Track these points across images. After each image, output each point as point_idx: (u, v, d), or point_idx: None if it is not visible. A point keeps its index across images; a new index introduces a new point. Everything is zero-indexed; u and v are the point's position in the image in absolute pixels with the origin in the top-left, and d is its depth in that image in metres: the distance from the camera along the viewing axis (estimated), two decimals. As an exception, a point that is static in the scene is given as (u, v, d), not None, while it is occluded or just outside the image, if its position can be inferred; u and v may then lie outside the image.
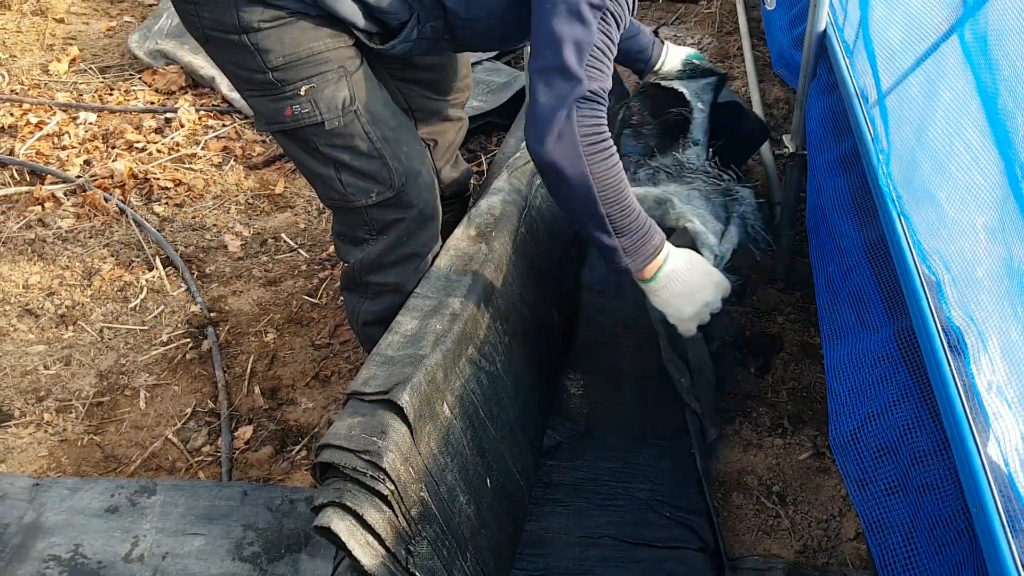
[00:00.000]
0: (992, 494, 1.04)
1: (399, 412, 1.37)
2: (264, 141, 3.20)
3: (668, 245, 1.62)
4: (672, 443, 1.91)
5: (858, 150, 1.68)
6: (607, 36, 1.52)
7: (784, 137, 2.23)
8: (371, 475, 1.29)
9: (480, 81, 3.01)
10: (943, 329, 1.23)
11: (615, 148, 1.53)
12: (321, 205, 2.86)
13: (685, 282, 1.61)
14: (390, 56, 1.72)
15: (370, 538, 1.27)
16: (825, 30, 2.05)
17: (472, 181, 2.27)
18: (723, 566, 1.65)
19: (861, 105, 1.75)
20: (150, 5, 4.25)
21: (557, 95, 1.46)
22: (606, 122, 1.51)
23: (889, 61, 1.71)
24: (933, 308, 1.27)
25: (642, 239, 1.56)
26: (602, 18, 1.49)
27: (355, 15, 1.57)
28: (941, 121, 1.48)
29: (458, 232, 1.84)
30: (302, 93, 1.59)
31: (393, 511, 1.32)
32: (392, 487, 1.31)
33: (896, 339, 1.37)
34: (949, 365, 1.18)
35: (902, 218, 1.42)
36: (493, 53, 3.33)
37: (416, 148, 1.77)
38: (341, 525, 1.24)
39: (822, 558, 1.70)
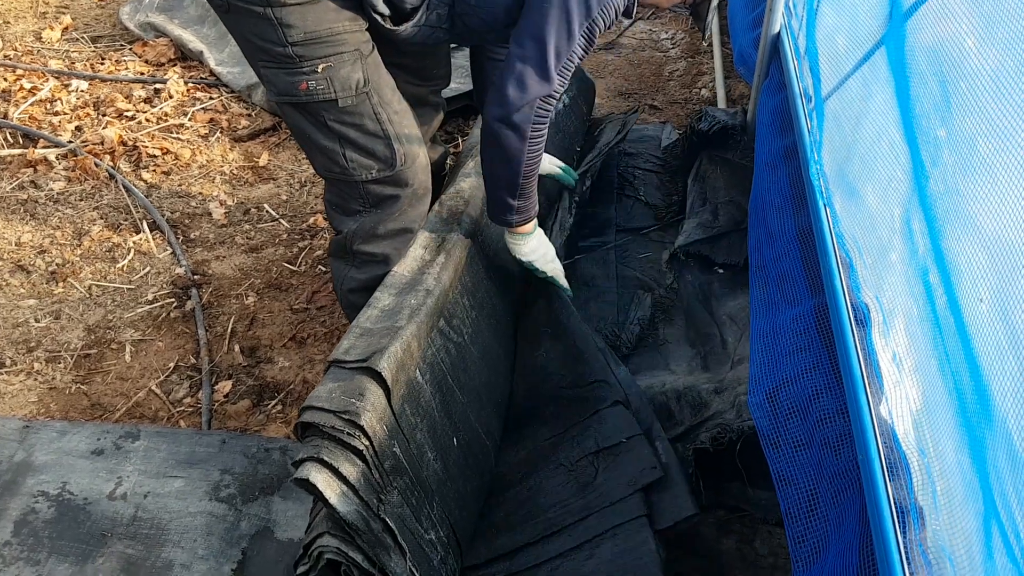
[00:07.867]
0: (877, 444, 1.20)
1: (376, 377, 1.51)
2: (250, 115, 3.32)
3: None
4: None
5: (796, 145, 1.85)
6: (584, 47, 1.72)
7: (740, 131, 2.39)
8: (348, 432, 1.42)
9: (459, 66, 3.14)
10: (852, 305, 1.40)
11: (546, 135, 1.82)
12: (303, 179, 2.99)
13: (539, 242, 2.04)
14: (384, 43, 1.85)
15: (345, 488, 1.40)
16: (779, 33, 2.21)
17: (449, 161, 2.40)
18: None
19: (803, 104, 1.91)
20: (141, -23, 4.33)
21: (528, 90, 1.70)
22: (552, 115, 1.79)
23: (831, 66, 1.87)
24: (845, 286, 1.43)
25: (531, 206, 1.92)
26: (587, 29, 1.67)
27: None
28: (871, 123, 1.64)
29: (431, 214, 1.99)
30: (319, 71, 1.70)
31: (367, 464, 1.45)
32: (367, 443, 1.45)
33: (815, 313, 1.53)
34: (853, 335, 1.34)
35: (827, 207, 1.59)
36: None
37: (415, 132, 1.90)
38: (319, 477, 1.37)
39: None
